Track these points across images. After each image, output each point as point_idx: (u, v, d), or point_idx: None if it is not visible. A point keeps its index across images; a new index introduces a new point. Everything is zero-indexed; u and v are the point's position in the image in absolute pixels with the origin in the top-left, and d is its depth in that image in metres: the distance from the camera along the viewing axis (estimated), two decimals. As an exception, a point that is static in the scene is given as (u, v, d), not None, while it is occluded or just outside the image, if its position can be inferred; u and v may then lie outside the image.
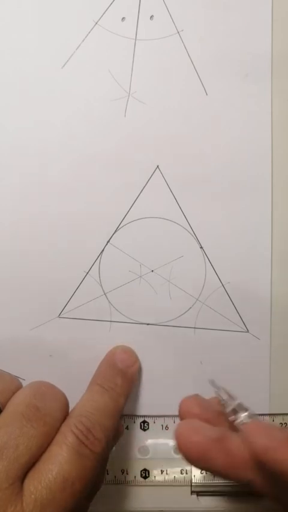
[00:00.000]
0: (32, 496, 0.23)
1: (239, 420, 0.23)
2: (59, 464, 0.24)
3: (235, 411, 0.24)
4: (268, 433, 0.21)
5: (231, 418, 0.24)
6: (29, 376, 0.30)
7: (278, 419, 0.33)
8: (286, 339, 0.32)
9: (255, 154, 0.32)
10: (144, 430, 0.33)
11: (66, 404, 0.27)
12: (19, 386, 0.27)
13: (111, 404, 0.28)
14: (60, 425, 0.25)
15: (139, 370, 0.32)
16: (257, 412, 0.32)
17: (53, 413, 0.25)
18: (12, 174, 0.31)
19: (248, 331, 0.32)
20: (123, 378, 0.30)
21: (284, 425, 0.33)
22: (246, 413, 0.23)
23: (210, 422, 0.24)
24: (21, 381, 0.28)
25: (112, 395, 0.28)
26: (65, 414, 0.26)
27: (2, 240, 0.32)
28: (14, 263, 0.32)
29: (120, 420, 0.29)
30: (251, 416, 0.23)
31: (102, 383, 0.29)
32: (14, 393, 0.26)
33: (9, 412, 0.25)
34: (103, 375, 0.30)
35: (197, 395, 0.26)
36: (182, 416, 0.25)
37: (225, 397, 0.25)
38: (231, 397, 0.24)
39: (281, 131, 0.31)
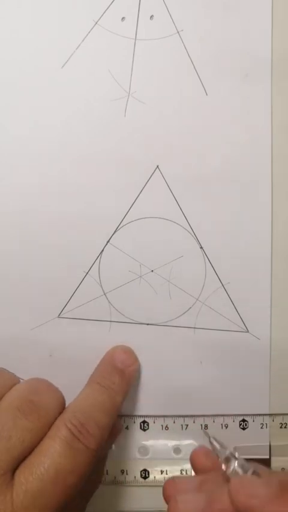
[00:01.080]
0: (23, 487, 0.23)
1: (230, 469, 0.24)
2: (51, 457, 0.24)
3: (227, 459, 0.25)
4: (250, 491, 0.22)
5: (224, 467, 0.25)
6: (29, 376, 0.30)
7: (278, 419, 0.33)
8: (286, 339, 0.32)
9: (255, 154, 0.31)
10: (144, 430, 0.33)
11: (62, 401, 0.27)
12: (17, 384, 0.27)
13: (108, 401, 0.28)
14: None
15: (138, 370, 0.32)
16: (257, 412, 0.32)
17: (48, 409, 0.25)
18: (12, 174, 0.31)
19: (248, 331, 0.32)
20: (121, 376, 0.30)
21: (284, 425, 0.33)
22: (235, 463, 0.24)
23: (212, 467, 0.26)
24: (21, 381, 0.28)
25: (110, 393, 0.28)
26: (61, 411, 0.26)
27: (2, 240, 0.32)
28: (14, 263, 0.32)
29: (117, 418, 0.29)
30: (241, 465, 0.24)
31: (100, 381, 0.29)
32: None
33: (4, 406, 0.25)
34: (101, 373, 0.30)
35: (202, 446, 0.28)
36: (192, 462, 0.27)
37: (217, 447, 0.25)
38: (223, 446, 0.25)
39: (281, 131, 0.31)
